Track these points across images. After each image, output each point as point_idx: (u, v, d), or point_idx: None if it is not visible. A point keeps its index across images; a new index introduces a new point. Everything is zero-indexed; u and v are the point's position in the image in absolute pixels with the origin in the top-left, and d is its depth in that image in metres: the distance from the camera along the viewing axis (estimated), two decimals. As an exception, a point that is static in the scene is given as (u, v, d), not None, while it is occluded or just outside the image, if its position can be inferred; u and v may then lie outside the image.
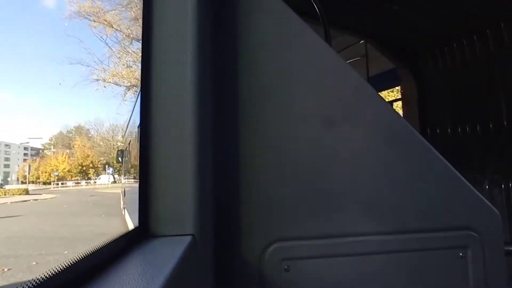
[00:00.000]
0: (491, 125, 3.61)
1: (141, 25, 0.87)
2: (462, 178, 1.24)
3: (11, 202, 24.37)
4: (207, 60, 1.08)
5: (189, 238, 0.80)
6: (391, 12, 3.45)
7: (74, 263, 0.56)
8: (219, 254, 1.12)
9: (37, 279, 0.47)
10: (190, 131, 0.85)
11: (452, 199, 1.22)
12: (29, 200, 27.51)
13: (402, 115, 4.53)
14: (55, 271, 0.51)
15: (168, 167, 0.84)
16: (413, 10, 3.39)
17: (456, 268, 1.21)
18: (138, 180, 0.85)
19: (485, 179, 3.59)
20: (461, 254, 1.21)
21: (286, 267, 1.12)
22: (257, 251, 1.12)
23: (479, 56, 3.65)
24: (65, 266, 0.53)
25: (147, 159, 0.85)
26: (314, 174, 1.16)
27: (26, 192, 37.43)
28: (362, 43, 4.61)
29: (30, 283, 0.46)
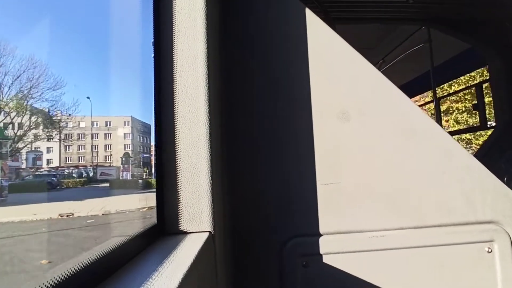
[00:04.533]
0: None
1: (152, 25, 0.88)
2: (487, 169, 1.19)
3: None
4: (218, 60, 1.09)
5: (206, 234, 0.81)
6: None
7: (97, 259, 0.57)
8: (237, 250, 1.13)
9: (64, 273, 0.49)
10: (205, 130, 0.86)
11: (476, 191, 1.17)
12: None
13: (492, 98, 4.00)
14: (79, 266, 0.53)
15: (184, 166, 0.85)
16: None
17: (483, 263, 1.16)
18: (155, 180, 0.87)
19: None
20: (487, 249, 1.16)
21: (304, 262, 1.12)
22: (275, 247, 1.13)
23: None
24: (89, 262, 0.56)
25: (163, 159, 0.86)
26: (331, 169, 1.15)
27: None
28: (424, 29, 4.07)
29: (58, 277, 0.48)
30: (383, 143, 1.17)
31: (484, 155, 3.71)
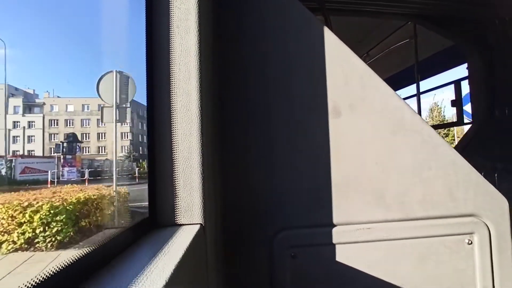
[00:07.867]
0: None
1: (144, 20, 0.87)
2: (469, 165, 1.23)
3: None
4: (211, 53, 1.08)
5: (197, 227, 0.82)
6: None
7: (88, 252, 0.58)
8: (228, 242, 1.14)
9: (53, 267, 0.49)
10: (197, 124, 0.86)
11: (459, 186, 1.22)
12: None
13: (469, 96, 4.03)
14: (70, 260, 0.53)
15: (176, 159, 0.86)
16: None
17: (463, 254, 1.21)
18: (147, 172, 0.87)
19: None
20: (467, 241, 1.22)
21: (292, 254, 1.15)
22: (265, 239, 1.15)
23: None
24: (80, 255, 0.56)
25: (155, 151, 0.86)
26: (321, 163, 1.17)
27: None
28: (410, 25, 4.15)
29: (47, 271, 0.48)
30: (372, 139, 1.20)
31: (462, 150, 3.83)
